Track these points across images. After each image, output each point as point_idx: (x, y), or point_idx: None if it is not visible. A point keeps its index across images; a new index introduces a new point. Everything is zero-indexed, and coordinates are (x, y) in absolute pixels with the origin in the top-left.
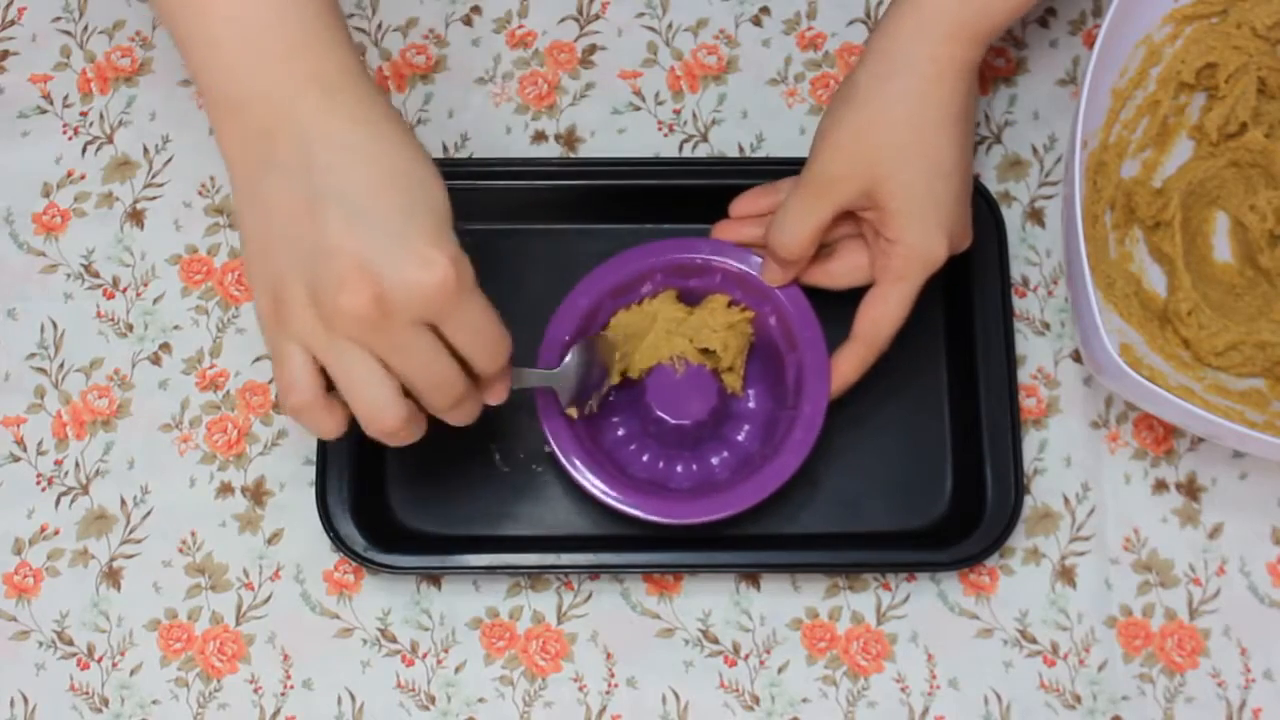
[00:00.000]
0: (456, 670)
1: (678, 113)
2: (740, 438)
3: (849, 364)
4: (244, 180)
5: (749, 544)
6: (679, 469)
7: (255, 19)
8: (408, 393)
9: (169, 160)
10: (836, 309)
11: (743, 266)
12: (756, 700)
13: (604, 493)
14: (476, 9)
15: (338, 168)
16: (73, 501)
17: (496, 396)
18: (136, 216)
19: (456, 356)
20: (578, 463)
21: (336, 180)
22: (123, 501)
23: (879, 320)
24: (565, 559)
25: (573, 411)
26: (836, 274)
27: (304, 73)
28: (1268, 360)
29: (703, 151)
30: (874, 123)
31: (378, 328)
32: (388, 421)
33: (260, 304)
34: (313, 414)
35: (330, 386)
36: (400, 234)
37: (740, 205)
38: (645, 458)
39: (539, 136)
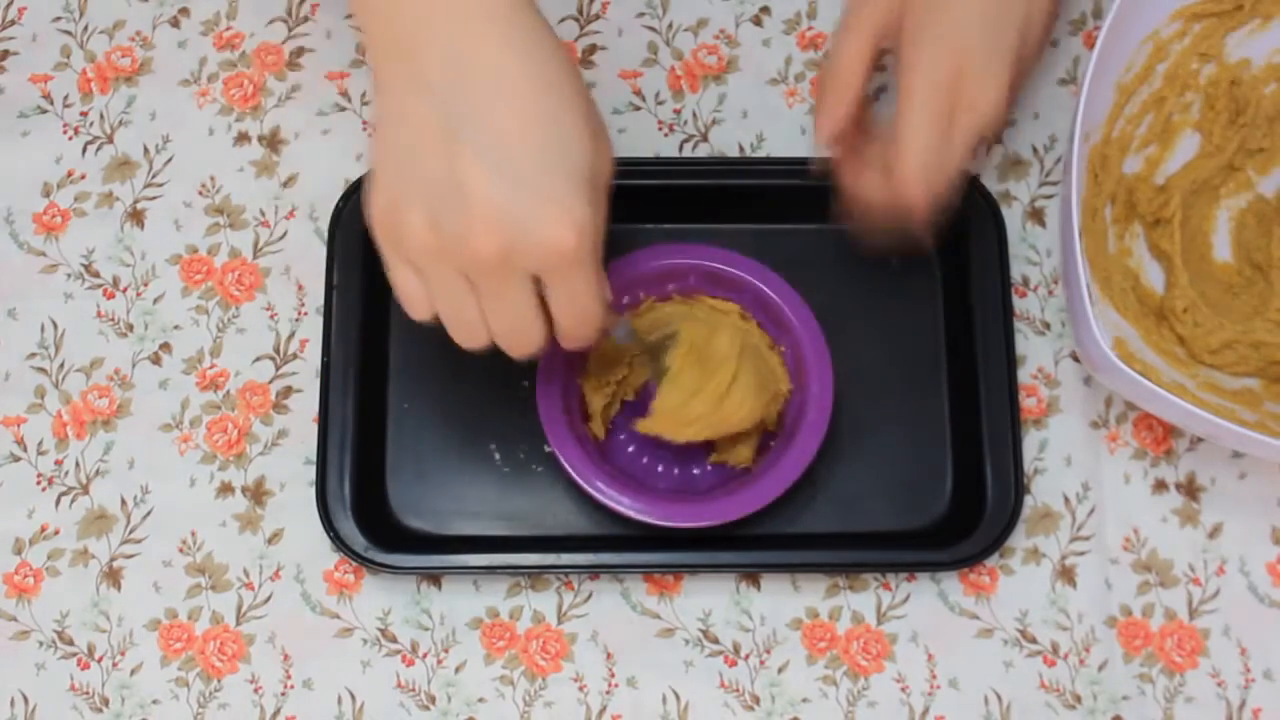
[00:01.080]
0: (456, 670)
1: (678, 112)
2: None
3: (871, 184)
4: (387, 93)
5: (749, 544)
6: (695, 471)
7: None
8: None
9: (169, 160)
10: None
11: (721, 265)
12: (756, 700)
13: (602, 493)
14: None
15: (484, 101)
16: (73, 501)
17: (572, 346)
18: (136, 216)
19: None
20: (578, 463)
21: (482, 115)
22: (123, 501)
23: (900, 138)
24: (565, 559)
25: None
26: (865, 181)
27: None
28: (1262, 360)
29: (703, 151)
30: None
31: (490, 272)
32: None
33: (377, 213)
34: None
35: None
36: (534, 186)
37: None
38: (647, 461)
39: None
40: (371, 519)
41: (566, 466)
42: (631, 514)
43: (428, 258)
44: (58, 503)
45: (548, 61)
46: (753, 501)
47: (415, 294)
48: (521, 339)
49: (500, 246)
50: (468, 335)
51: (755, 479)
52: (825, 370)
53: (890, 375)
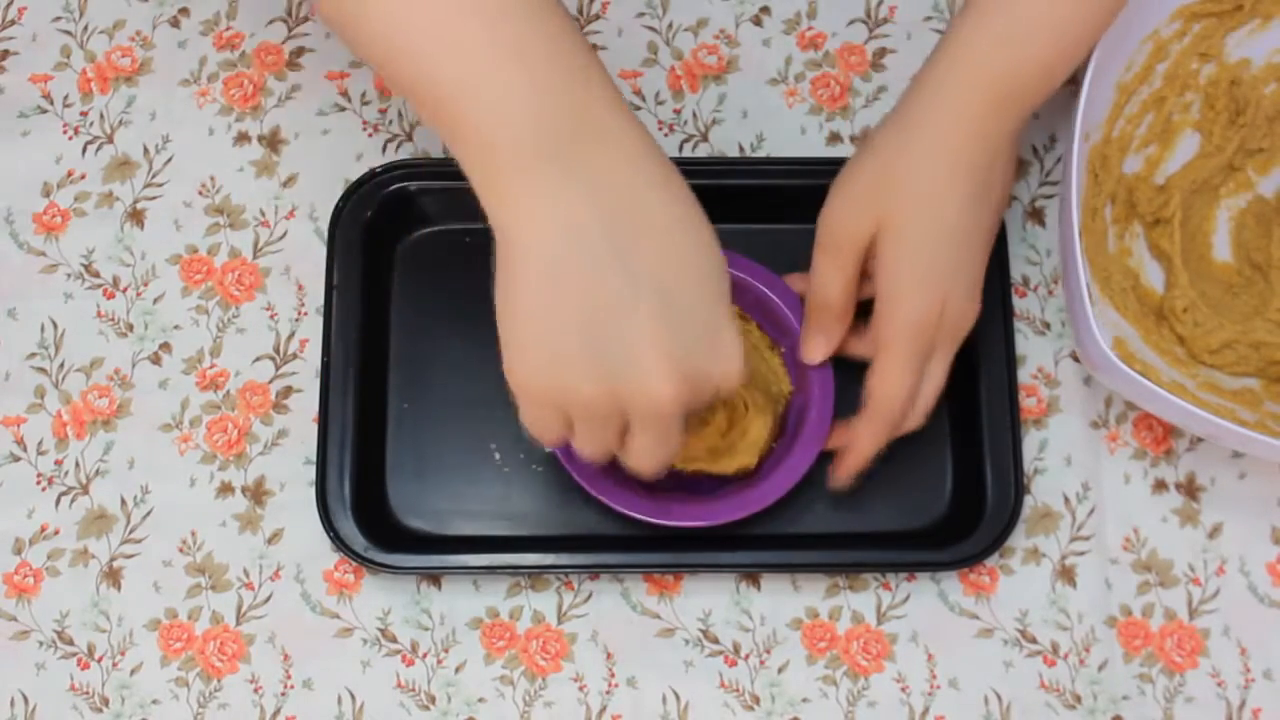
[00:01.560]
0: (456, 670)
1: (678, 112)
2: None
3: (862, 435)
4: (531, 240)
5: (749, 544)
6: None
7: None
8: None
9: (169, 160)
10: None
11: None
12: (756, 700)
13: (603, 492)
14: None
15: (651, 242)
16: (73, 501)
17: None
18: (136, 216)
19: None
20: (580, 464)
21: (649, 258)
22: (123, 501)
23: (877, 391)
24: (565, 559)
25: None
26: (861, 342)
27: (575, 114)
28: (1262, 360)
29: (703, 151)
30: (884, 170)
31: (664, 418)
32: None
33: (532, 373)
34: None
35: None
36: (708, 321)
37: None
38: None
39: None
40: (371, 519)
41: (567, 466)
42: (632, 514)
43: (596, 415)
44: (58, 503)
45: (680, 183)
46: (755, 502)
47: (553, 434)
48: (664, 465)
49: (686, 393)
50: (601, 457)
51: (757, 480)
52: (826, 371)
53: None
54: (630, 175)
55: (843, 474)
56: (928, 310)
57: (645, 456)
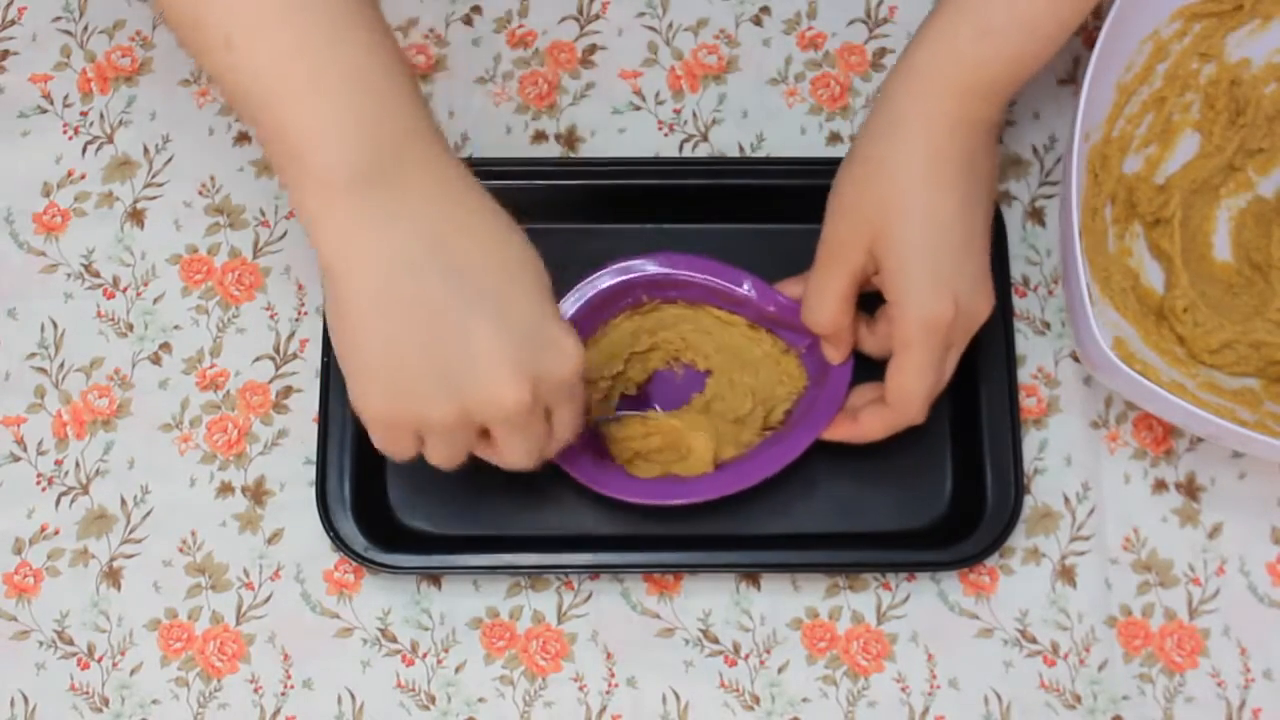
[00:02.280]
0: (456, 670)
1: (678, 112)
2: None
3: (872, 422)
4: (365, 277)
5: (749, 544)
6: None
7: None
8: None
9: (169, 160)
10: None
11: (727, 285)
12: (756, 700)
13: (605, 486)
14: (477, 9)
15: (477, 260)
16: (73, 501)
17: (556, 449)
18: (136, 216)
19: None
20: (581, 462)
21: (478, 275)
22: (123, 501)
23: (899, 390)
24: (565, 559)
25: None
26: (876, 342)
27: (386, 144)
28: (1262, 360)
29: (703, 151)
30: (870, 179)
31: (515, 420)
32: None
33: (378, 404)
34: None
35: None
36: (541, 323)
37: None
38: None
39: (539, 136)
40: (371, 519)
41: (566, 467)
42: (631, 499)
43: (449, 429)
44: (58, 503)
45: (482, 193)
46: (753, 474)
47: (407, 453)
48: (534, 455)
49: (530, 395)
50: (456, 463)
51: (755, 454)
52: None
53: None
54: (445, 198)
55: (836, 435)
56: (942, 311)
57: (511, 454)
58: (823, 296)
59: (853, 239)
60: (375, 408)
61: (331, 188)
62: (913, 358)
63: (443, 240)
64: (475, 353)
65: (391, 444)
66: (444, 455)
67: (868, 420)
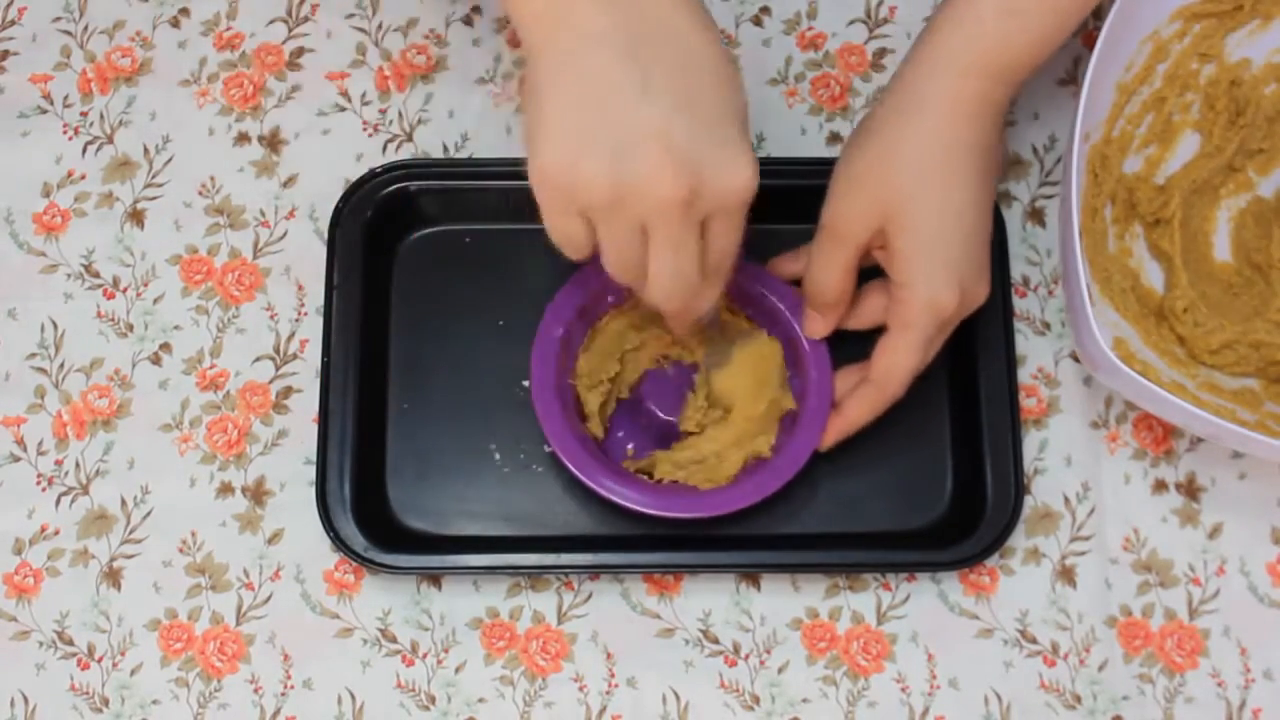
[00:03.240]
0: (456, 670)
1: None
2: None
3: (859, 407)
4: (553, 52)
5: (749, 544)
6: None
7: None
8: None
9: (169, 160)
10: None
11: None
12: (756, 700)
13: (605, 488)
14: (477, 9)
15: (667, 51)
16: (73, 501)
17: (706, 301)
18: (136, 216)
19: None
20: (580, 461)
21: (665, 64)
22: (123, 501)
23: (889, 368)
24: (565, 559)
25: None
26: (859, 314)
27: None
28: (1262, 360)
29: None
30: (886, 158)
31: (670, 218)
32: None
33: (548, 166)
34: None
35: None
36: (719, 130)
37: (778, 268)
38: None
39: None
40: (371, 519)
41: (567, 463)
42: (635, 507)
43: (605, 207)
44: (58, 503)
45: (705, 12)
46: (757, 491)
47: (577, 239)
48: (690, 286)
49: (688, 190)
50: (632, 277)
51: (756, 471)
52: (825, 372)
53: None
54: (671, 13)
55: (831, 438)
56: (949, 298)
57: (661, 270)
58: (829, 269)
59: (863, 216)
60: (541, 166)
61: None
62: (908, 338)
63: (644, 29)
64: (644, 133)
65: (559, 227)
66: (612, 248)
67: (853, 408)
